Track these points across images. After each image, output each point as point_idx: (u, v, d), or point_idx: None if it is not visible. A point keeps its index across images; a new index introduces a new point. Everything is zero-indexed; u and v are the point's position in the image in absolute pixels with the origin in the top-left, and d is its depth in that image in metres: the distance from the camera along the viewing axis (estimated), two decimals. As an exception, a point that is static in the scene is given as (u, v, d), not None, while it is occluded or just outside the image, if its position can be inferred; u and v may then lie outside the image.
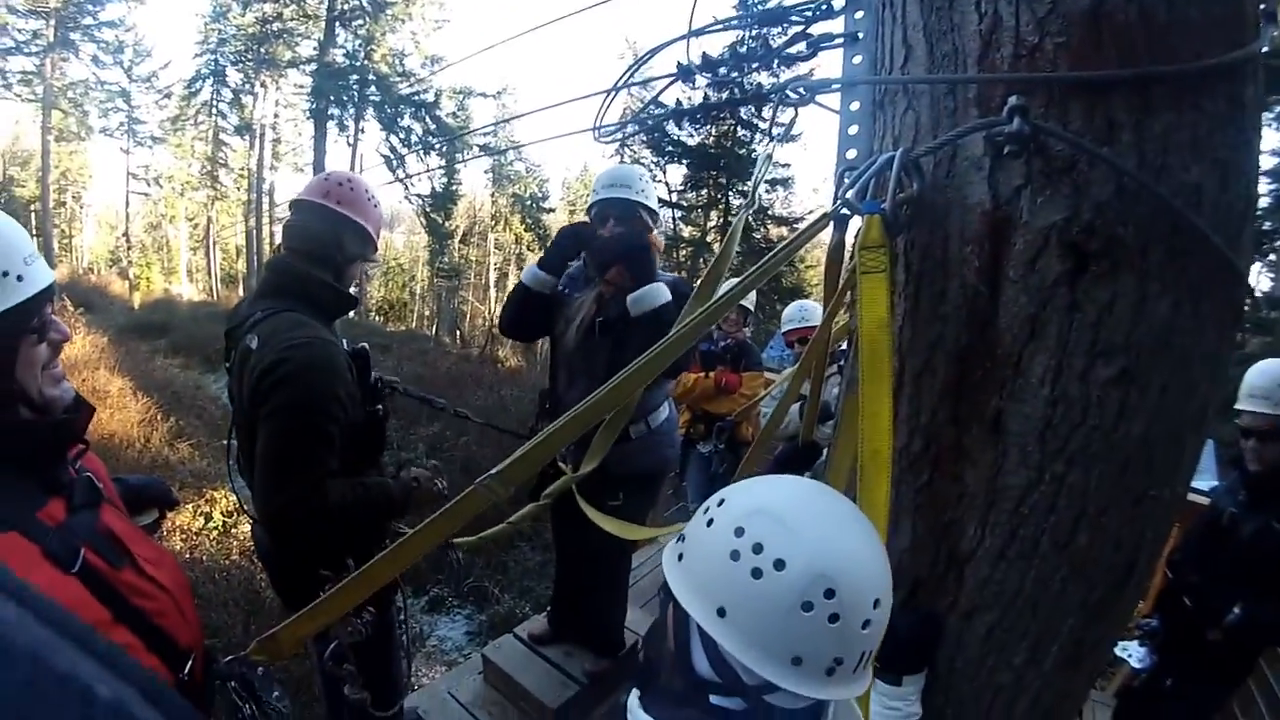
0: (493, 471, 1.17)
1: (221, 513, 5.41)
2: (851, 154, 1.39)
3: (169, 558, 1.31)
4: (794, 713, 0.82)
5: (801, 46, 1.55)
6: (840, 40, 1.44)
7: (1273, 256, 11.13)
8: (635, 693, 0.88)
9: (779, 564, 0.74)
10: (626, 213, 2.45)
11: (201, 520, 5.25)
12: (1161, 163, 0.98)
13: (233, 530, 5.20)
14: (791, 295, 14.18)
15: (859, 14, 1.40)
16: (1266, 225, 10.58)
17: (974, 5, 1.07)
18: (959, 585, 1.21)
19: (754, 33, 1.78)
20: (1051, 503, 1.11)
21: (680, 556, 0.84)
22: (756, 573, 0.74)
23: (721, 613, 0.76)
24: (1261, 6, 1.05)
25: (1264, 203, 10.67)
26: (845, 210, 1.16)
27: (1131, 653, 2.50)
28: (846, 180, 1.19)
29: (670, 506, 5.03)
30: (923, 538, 1.24)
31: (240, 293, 30.24)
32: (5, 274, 0.99)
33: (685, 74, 1.80)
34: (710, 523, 0.81)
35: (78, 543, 1.04)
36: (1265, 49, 1.03)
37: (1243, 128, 1.03)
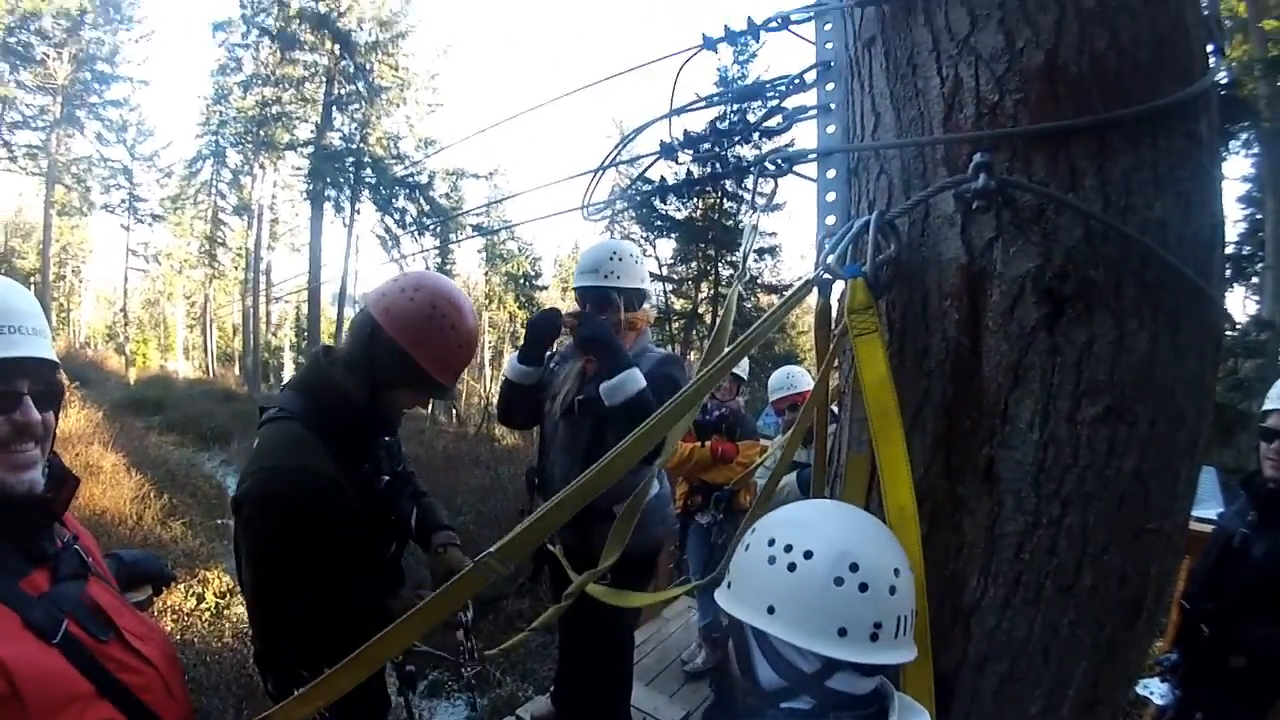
0: (491, 550, 1.16)
1: (214, 593, 5.29)
2: (831, 220, 1.44)
3: (159, 633, 1.27)
4: (862, 700, 0.90)
5: (778, 120, 1.63)
6: (814, 112, 1.51)
7: (1255, 280, 11.30)
8: None
9: (808, 554, 0.88)
10: (598, 299, 2.45)
11: (194, 601, 5.12)
12: (1125, 203, 1.03)
13: (225, 612, 5.07)
14: (783, 361, 14.19)
15: (830, 86, 1.48)
16: (1245, 250, 10.80)
17: (935, 70, 1.14)
18: (967, 637, 1.20)
19: (734, 108, 1.87)
20: (1051, 546, 1.11)
21: (729, 585, 0.98)
22: (792, 567, 0.88)
23: (771, 610, 0.88)
24: (1209, 46, 1.12)
25: (1240, 229, 10.94)
26: (827, 275, 1.20)
27: (1154, 690, 2.43)
28: (827, 246, 1.24)
29: (673, 580, 4.94)
30: (927, 592, 1.24)
31: (235, 371, 30.27)
32: None
33: (668, 151, 1.88)
34: (747, 548, 0.96)
35: (61, 614, 1.01)
36: (1221, 78, 1.09)
37: (1201, 160, 1.08)
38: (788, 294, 1.36)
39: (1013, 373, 1.10)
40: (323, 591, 1.49)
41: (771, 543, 0.92)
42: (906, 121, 1.20)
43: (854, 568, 0.86)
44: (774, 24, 1.66)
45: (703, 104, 1.92)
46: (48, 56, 23.38)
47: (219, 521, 7.42)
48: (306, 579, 1.47)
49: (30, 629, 0.96)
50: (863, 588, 0.85)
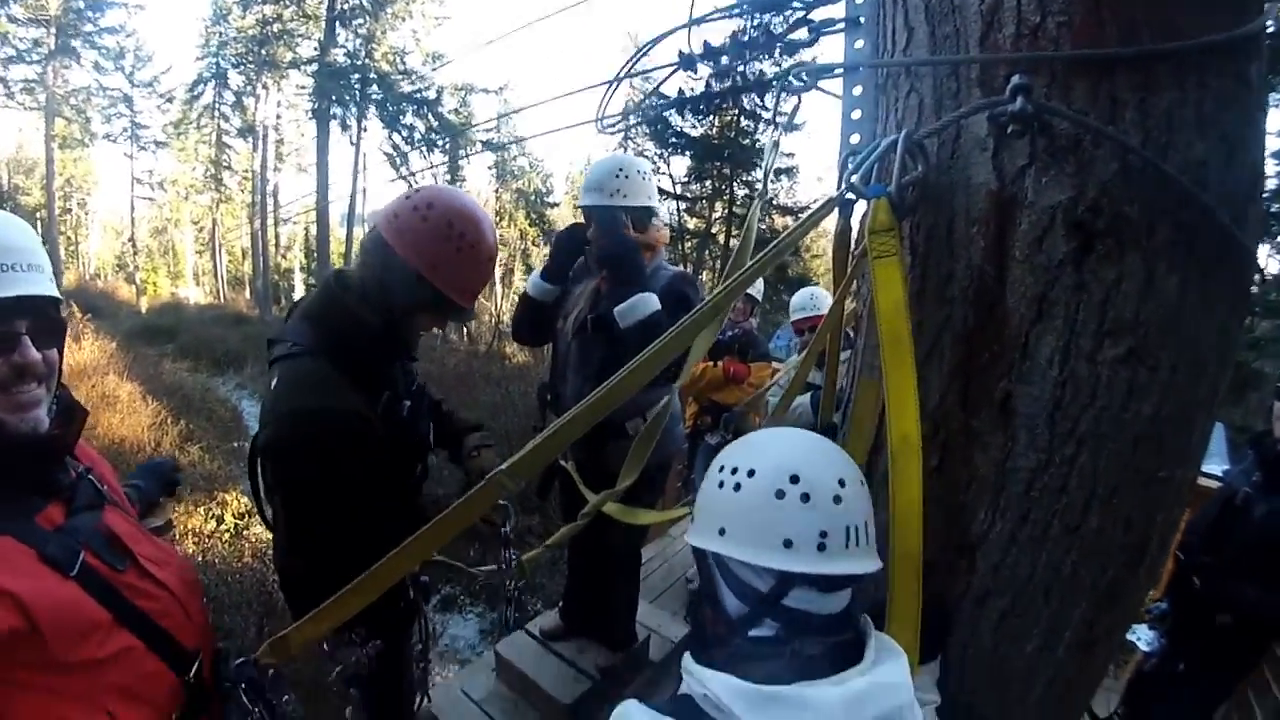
0: (502, 466, 1.16)
1: (233, 515, 5.45)
2: (855, 139, 1.38)
3: (176, 557, 1.29)
4: (828, 624, 0.90)
5: (803, 33, 1.53)
6: (842, 25, 1.43)
7: (1280, 238, 11.03)
8: (688, 653, 0.94)
9: (751, 472, 0.91)
10: (603, 218, 2.37)
11: (213, 523, 5.29)
12: (1167, 140, 0.97)
13: (244, 532, 5.23)
14: (798, 284, 14.10)
15: (859, -2, 1.39)
16: (1275, 208, 10.50)
17: None
18: (971, 570, 1.20)
19: (755, 20, 1.77)
20: (1062, 485, 1.10)
21: (692, 518, 1.00)
22: (737, 487, 0.91)
23: (722, 531, 0.91)
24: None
25: (1271, 185, 10.59)
26: (850, 195, 1.16)
27: (1140, 636, 2.49)
28: (850, 165, 1.19)
29: (681, 499, 5.02)
30: (933, 522, 1.24)
31: (246, 295, 30.36)
32: None
33: (687, 63, 1.79)
34: (707, 478, 0.98)
35: (77, 546, 1.03)
36: (1270, 28, 1.02)
37: (1248, 105, 1.02)
38: (808, 213, 1.32)
39: (1036, 306, 1.06)
40: (357, 522, 1.49)
41: (722, 468, 0.95)
42: (941, 38, 1.13)
43: (794, 479, 0.88)
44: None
45: (722, 15, 1.82)
46: None
47: (235, 444, 7.58)
48: (341, 514, 1.47)
49: (46, 563, 0.97)
50: (804, 498, 0.87)
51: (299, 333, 1.53)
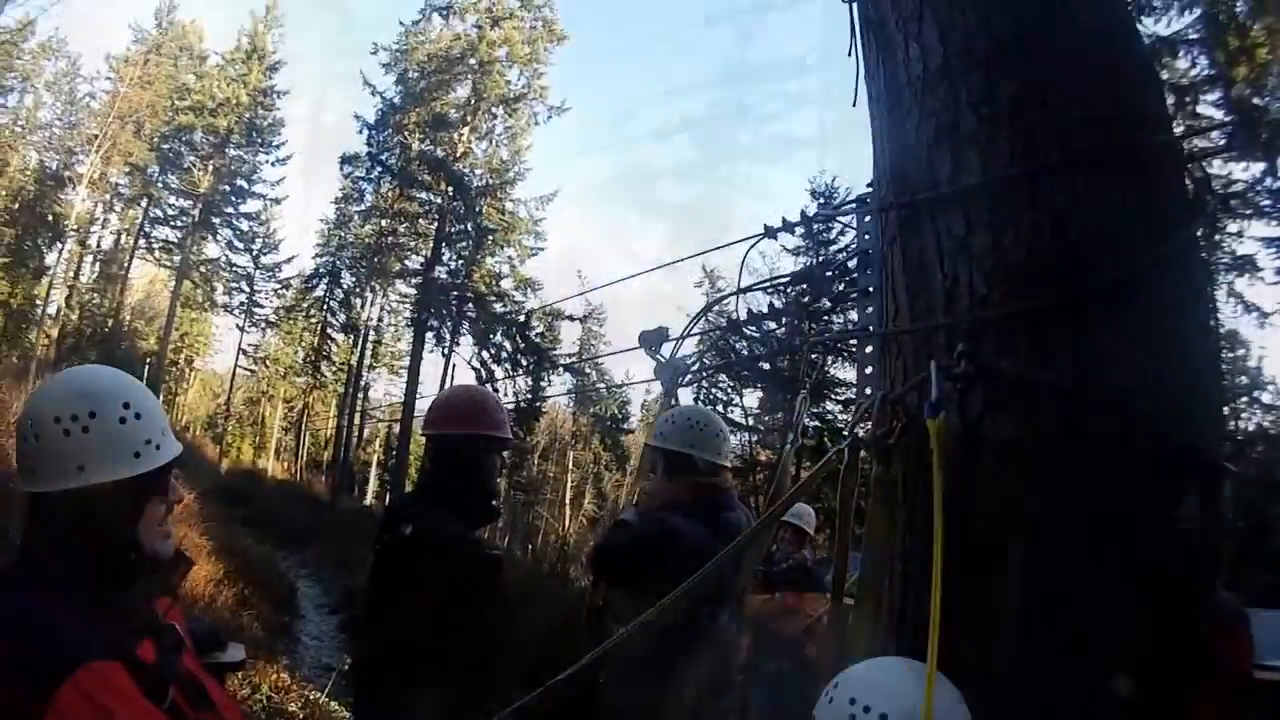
0: (560, 676, 1.34)
1: (270, 686, 5.45)
2: (868, 391, 1.64)
3: (234, 703, 1.44)
4: None
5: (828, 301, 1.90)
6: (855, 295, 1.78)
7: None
8: None
9: (883, 716, 1.02)
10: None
11: (249, 689, 5.29)
12: (1096, 369, 1.20)
13: (276, 707, 5.20)
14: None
15: (869, 271, 1.74)
16: None
17: (939, 267, 1.37)
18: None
19: (791, 289, 2.16)
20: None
21: None
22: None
23: None
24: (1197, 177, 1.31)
25: None
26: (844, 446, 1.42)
27: None
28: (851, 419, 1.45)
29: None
30: None
31: (322, 479, 31.30)
32: (149, 442, 1.15)
33: (733, 328, 2.18)
34: (830, 700, 1.10)
35: (168, 682, 1.12)
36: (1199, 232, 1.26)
37: (1175, 316, 1.24)
38: (817, 465, 1.57)
39: (1005, 530, 1.24)
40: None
41: (853, 701, 1.06)
42: (917, 310, 1.41)
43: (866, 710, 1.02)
44: (824, 217, 2.00)
45: (764, 288, 2.23)
46: (194, 166, 26.87)
47: (285, 619, 7.63)
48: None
49: (146, 695, 1.06)
50: None
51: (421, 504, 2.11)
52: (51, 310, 25.87)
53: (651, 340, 2.48)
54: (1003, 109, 1.33)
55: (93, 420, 1.08)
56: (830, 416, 17.21)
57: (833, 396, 17.15)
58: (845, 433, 1.49)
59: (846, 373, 17.28)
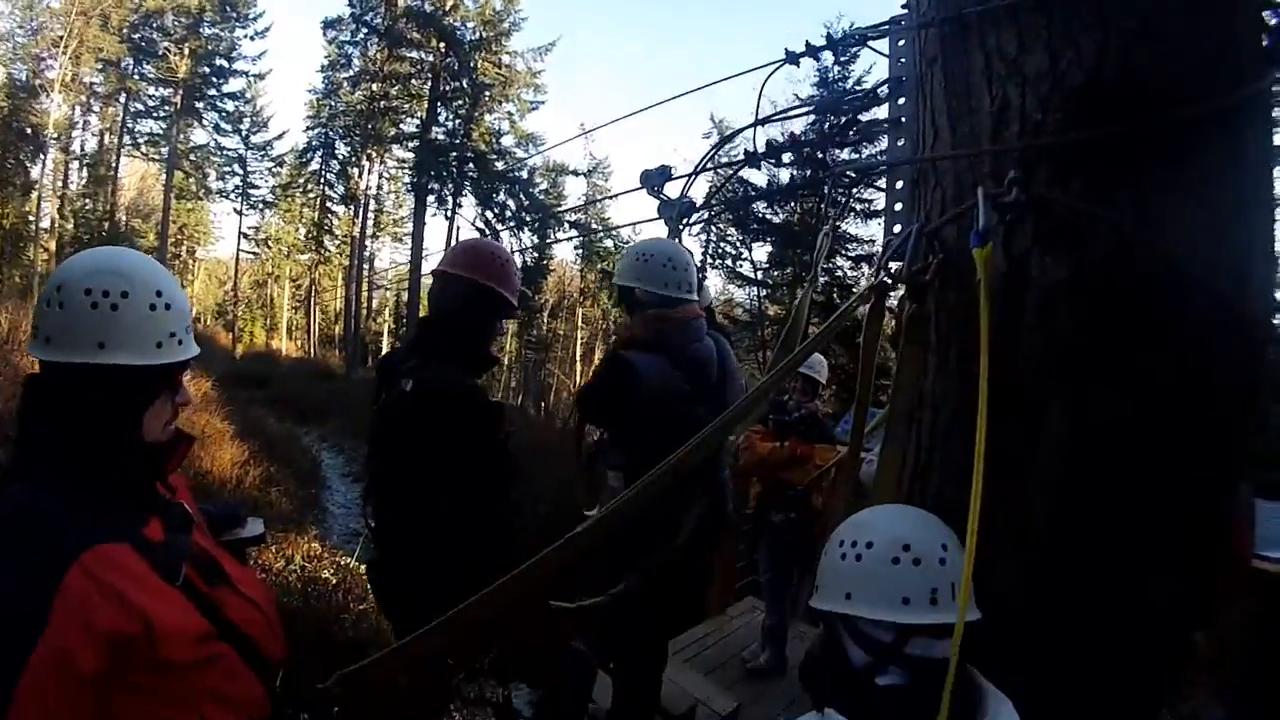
0: (578, 530, 1.30)
1: (303, 556, 5.67)
2: (897, 228, 1.51)
3: (254, 576, 1.41)
4: (942, 667, 0.98)
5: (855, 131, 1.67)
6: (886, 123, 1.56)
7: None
8: (812, 712, 1.08)
9: (869, 544, 1.07)
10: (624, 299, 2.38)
11: (283, 562, 5.52)
12: (1157, 216, 1.07)
13: (310, 574, 5.43)
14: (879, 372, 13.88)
15: (901, 100, 1.52)
16: None
17: (986, 90, 1.22)
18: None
19: (815, 120, 1.93)
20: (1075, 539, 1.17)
21: (817, 589, 1.15)
22: (858, 557, 1.07)
23: (848, 596, 1.07)
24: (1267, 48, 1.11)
25: None
26: (877, 282, 1.29)
27: None
28: (884, 253, 1.29)
29: (742, 578, 4.96)
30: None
31: (336, 353, 31.89)
32: (173, 335, 1.13)
33: (751, 160, 1.97)
34: (826, 553, 1.15)
35: (179, 559, 1.12)
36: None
37: (1241, 175, 1.11)
38: (848, 302, 1.41)
39: (1048, 375, 1.15)
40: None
41: (841, 543, 1.11)
42: (960, 137, 1.28)
43: (906, 548, 1.05)
44: (853, 40, 1.71)
45: (783, 116, 2.00)
46: (169, 51, 25.19)
47: (312, 492, 7.92)
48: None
49: (157, 573, 1.07)
50: (916, 562, 1.04)
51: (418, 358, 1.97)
52: (45, 224, 25.15)
53: (654, 179, 2.39)
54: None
55: (124, 300, 1.07)
56: (840, 273, 16.90)
57: (844, 252, 16.76)
58: (871, 274, 1.33)
59: (858, 229, 16.89)
